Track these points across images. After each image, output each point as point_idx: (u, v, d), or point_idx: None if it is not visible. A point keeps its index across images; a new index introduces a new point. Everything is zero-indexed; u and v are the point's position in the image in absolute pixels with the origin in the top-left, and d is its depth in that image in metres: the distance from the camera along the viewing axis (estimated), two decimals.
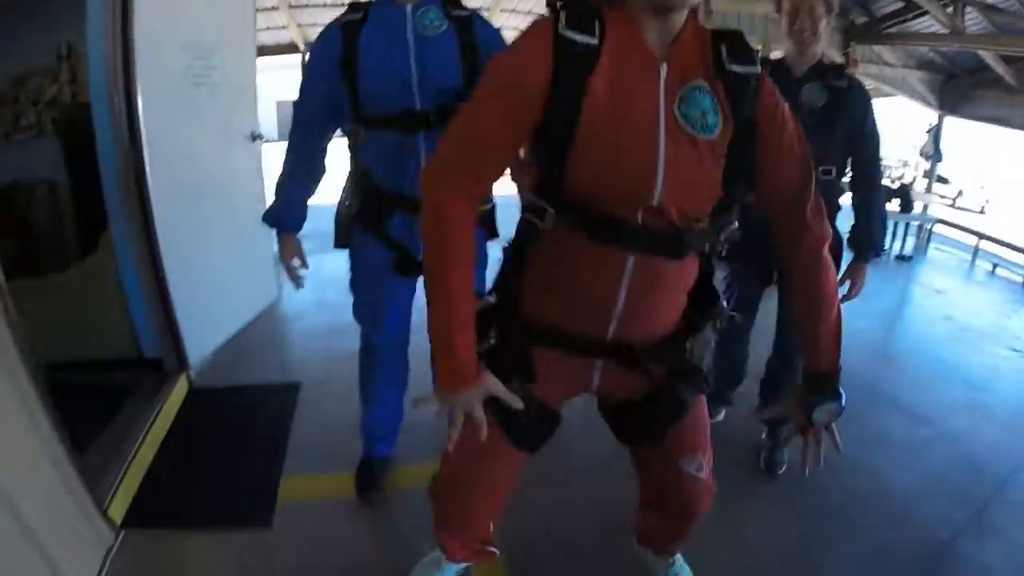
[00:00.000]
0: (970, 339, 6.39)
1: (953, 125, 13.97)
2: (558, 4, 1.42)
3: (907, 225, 11.09)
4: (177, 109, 4.33)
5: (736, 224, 1.66)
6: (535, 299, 1.69)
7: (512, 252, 1.71)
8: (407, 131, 2.59)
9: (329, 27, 2.68)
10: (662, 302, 1.67)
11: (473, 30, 2.67)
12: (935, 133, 14.01)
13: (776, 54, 3.59)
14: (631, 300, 1.58)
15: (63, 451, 2.49)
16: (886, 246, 9.68)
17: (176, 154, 4.24)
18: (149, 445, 3.52)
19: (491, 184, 1.64)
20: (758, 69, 1.48)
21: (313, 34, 12.41)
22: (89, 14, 3.76)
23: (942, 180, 28.36)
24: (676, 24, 1.43)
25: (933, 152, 14.27)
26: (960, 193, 31.24)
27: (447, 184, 1.51)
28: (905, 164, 28.99)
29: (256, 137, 5.40)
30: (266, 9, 8.96)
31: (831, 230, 1.71)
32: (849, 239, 3.26)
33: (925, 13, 10.04)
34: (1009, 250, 11.97)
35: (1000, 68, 11.68)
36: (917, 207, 12.07)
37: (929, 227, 12.15)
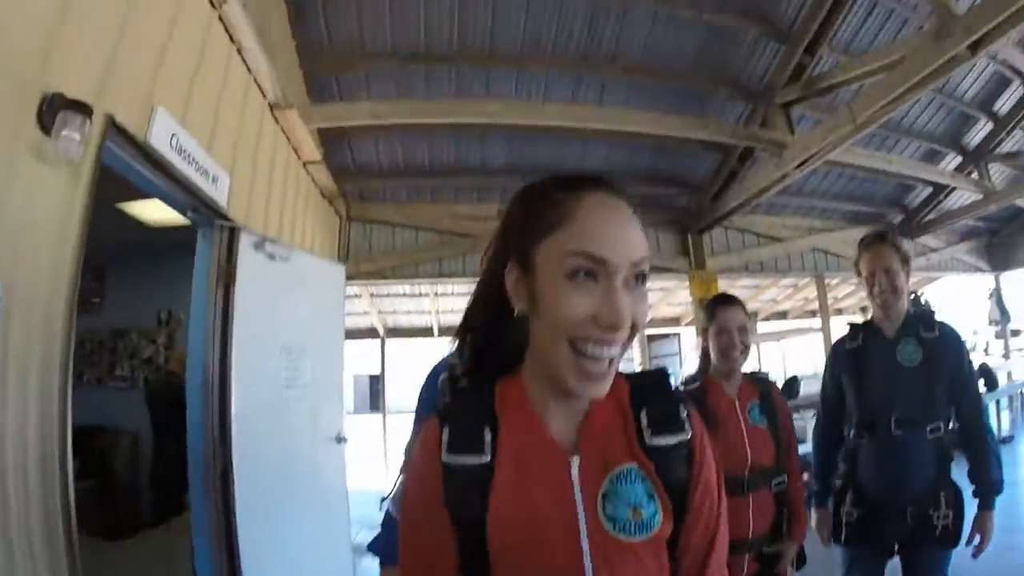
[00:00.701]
0: None
1: (1012, 277, 13.85)
2: (441, 407, 1.23)
3: (997, 403, 10.55)
4: (268, 408, 4.41)
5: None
6: None
7: None
8: None
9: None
10: None
11: None
12: (996, 296, 13.79)
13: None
14: None
15: None
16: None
17: (263, 452, 4.25)
18: None
19: None
20: (688, 434, 1.19)
21: (392, 321, 13.43)
22: (192, 317, 4.03)
23: (1015, 332, 27.84)
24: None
25: (1000, 315, 13.95)
26: None
27: None
28: (975, 332, 28.56)
29: (341, 440, 5.42)
30: (350, 297, 9.59)
31: None
32: (972, 489, 3.03)
33: (955, 188, 10.25)
34: None
35: None
36: (1002, 379, 11.58)
37: (1019, 394, 11.69)
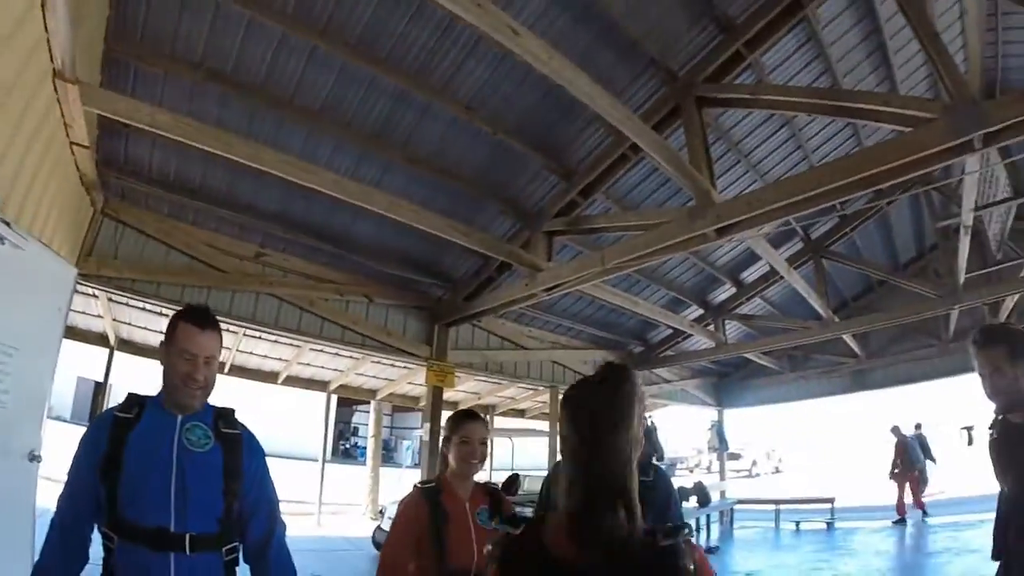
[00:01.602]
0: None
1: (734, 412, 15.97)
2: None
3: (708, 517, 11.57)
4: None
5: None
6: None
7: None
8: (157, 549, 2.35)
9: (101, 417, 2.52)
10: None
11: (240, 453, 2.58)
12: (718, 428, 15.51)
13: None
14: None
15: None
16: None
17: None
18: None
19: None
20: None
21: (127, 333, 12.04)
22: None
23: (734, 456, 31.16)
24: None
25: (719, 444, 15.65)
26: (755, 463, 33.96)
27: None
28: (699, 452, 31.72)
29: (35, 458, 4.77)
30: (86, 294, 8.72)
31: None
32: None
33: (692, 334, 11.40)
34: (807, 504, 14.40)
35: (763, 360, 13.88)
36: (714, 496, 12.90)
37: (730, 510, 13.03)
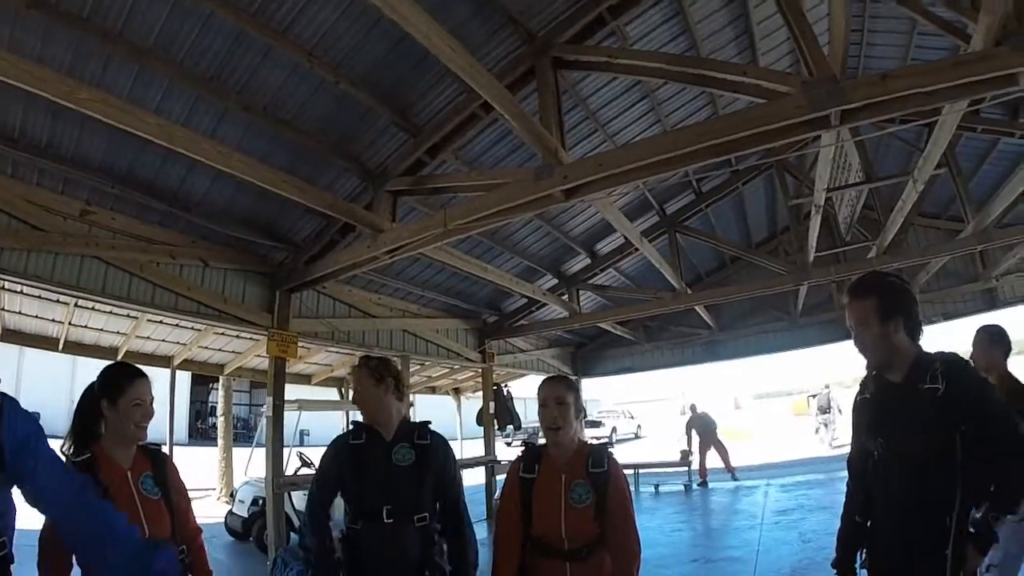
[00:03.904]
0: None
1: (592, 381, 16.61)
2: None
3: None
4: None
5: None
6: None
7: None
8: None
9: None
10: None
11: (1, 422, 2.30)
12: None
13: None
14: None
15: None
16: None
17: None
18: None
19: None
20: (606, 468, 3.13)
21: None
22: None
23: (594, 424, 32.13)
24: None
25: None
26: (614, 430, 35.10)
27: None
28: None
29: None
30: None
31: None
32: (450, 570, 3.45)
33: (546, 304, 11.51)
34: (666, 468, 15.89)
35: (618, 330, 14.52)
36: None
37: None
